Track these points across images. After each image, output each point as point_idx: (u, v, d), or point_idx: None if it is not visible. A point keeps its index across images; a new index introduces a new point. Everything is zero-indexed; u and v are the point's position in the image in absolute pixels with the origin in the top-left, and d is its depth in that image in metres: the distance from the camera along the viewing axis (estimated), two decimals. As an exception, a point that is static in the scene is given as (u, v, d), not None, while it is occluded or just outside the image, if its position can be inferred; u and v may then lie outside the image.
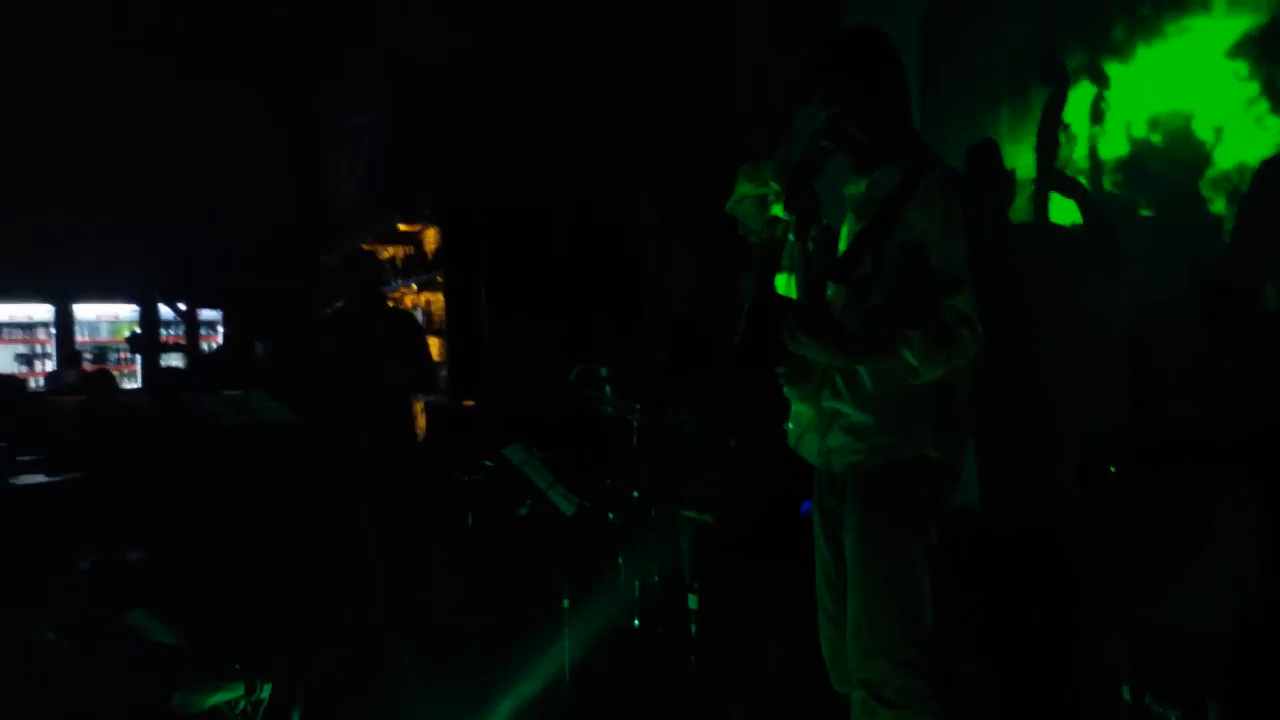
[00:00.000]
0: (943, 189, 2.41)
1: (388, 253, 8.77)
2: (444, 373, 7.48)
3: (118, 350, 11.58)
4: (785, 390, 2.64)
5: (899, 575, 2.45)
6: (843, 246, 2.60)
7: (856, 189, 2.63)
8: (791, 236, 2.50)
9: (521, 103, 7.02)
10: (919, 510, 2.47)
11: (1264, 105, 3.02)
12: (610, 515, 4.54)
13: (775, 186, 2.56)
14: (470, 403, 6.97)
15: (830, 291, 2.58)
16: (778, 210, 3.14)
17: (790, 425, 2.71)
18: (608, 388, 3.92)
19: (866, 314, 2.50)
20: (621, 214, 6.69)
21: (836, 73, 2.52)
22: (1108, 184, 3.48)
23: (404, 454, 5.12)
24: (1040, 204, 3.72)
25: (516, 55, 7.06)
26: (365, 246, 7.75)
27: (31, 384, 11.01)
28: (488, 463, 5.00)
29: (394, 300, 8.35)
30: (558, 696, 4.01)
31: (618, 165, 6.63)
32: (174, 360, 10.49)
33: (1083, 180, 3.58)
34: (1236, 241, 3.12)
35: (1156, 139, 3.35)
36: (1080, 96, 3.57)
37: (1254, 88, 3.03)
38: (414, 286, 8.30)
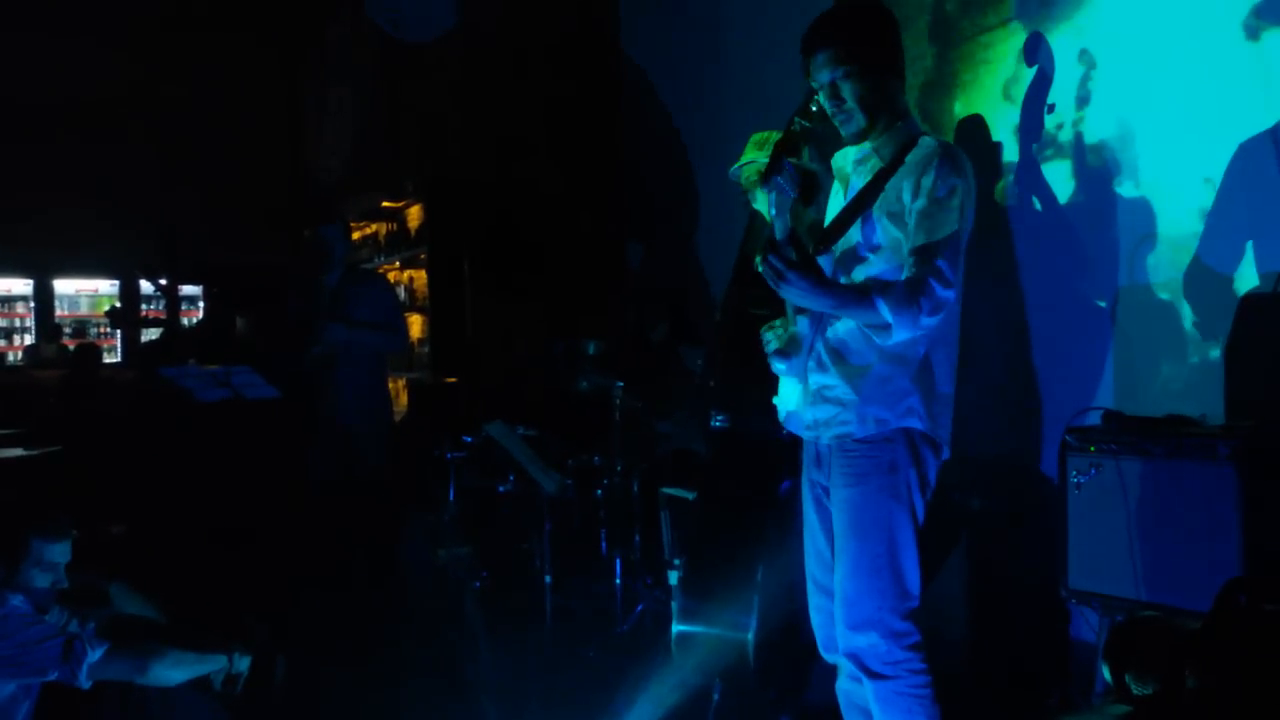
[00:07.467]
0: (933, 161, 2.41)
1: (370, 229, 8.72)
2: (426, 349, 7.45)
3: (97, 325, 11.47)
4: (773, 365, 2.63)
5: (885, 548, 2.46)
6: (830, 217, 2.59)
7: (845, 160, 2.63)
8: (774, 210, 2.48)
9: (506, 79, 6.97)
10: (905, 483, 2.47)
11: (1247, 86, 3.01)
12: (595, 492, 4.55)
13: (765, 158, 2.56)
14: (453, 379, 6.95)
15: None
16: (759, 199, 3.11)
17: (778, 400, 2.71)
18: None
19: (852, 285, 2.50)
20: (608, 192, 6.65)
21: (844, 38, 2.49)
22: (1091, 164, 3.48)
23: (380, 423, 5.03)
24: (1022, 185, 3.73)
25: (501, 31, 7.01)
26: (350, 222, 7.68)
27: (10, 358, 10.93)
28: (469, 439, 5.00)
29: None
30: (538, 673, 4.01)
31: (603, 143, 6.59)
32: (154, 334, 10.39)
33: (1065, 161, 3.58)
34: (1216, 223, 3.13)
35: (1139, 120, 3.34)
36: (1064, 77, 3.56)
37: (1238, 67, 3.03)
38: (397, 263, 8.26)
